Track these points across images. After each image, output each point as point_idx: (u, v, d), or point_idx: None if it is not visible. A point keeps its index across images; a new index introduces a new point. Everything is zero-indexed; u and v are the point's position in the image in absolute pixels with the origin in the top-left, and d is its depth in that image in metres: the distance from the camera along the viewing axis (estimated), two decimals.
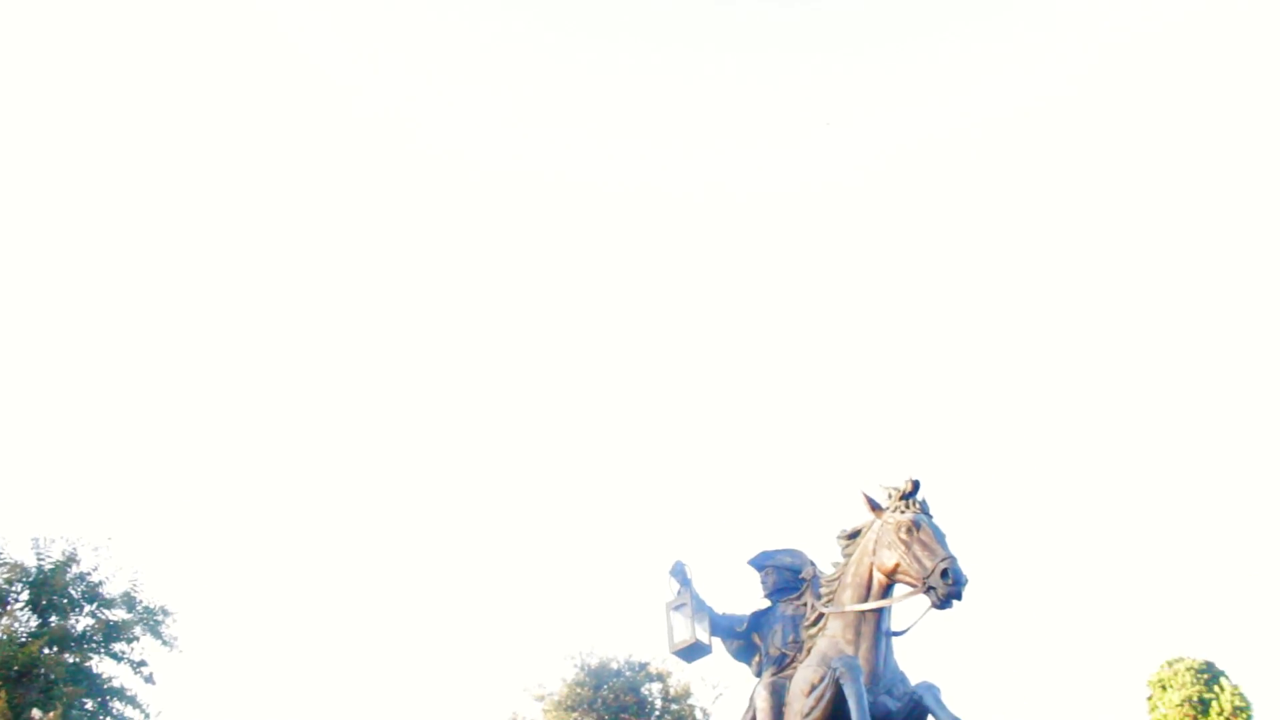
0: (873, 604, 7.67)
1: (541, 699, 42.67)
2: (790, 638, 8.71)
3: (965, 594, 7.09)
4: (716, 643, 9.28)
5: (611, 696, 41.77)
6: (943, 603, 7.08)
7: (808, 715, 7.44)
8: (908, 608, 7.79)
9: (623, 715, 41.62)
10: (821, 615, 8.10)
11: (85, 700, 22.16)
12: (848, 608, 7.80)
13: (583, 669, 42.24)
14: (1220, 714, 50.64)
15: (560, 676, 42.80)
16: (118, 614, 23.35)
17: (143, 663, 23.50)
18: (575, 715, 41.95)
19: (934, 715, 7.08)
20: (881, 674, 7.63)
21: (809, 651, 8.07)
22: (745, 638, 9.22)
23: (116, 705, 23.16)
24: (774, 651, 8.79)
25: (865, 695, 6.96)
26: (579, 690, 41.87)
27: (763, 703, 8.07)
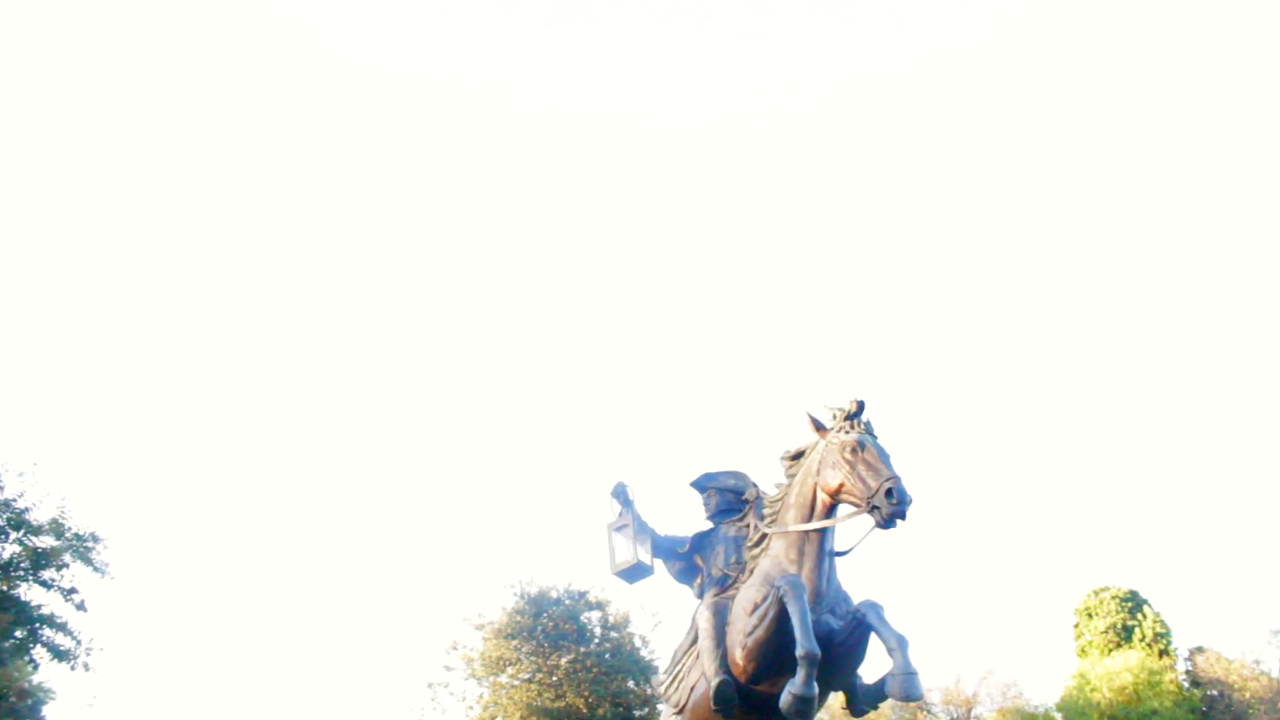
0: (816, 524, 7.61)
1: (481, 628, 42.92)
2: (733, 559, 8.67)
3: (909, 514, 7.04)
4: (658, 564, 9.22)
5: (551, 625, 42.11)
6: (886, 522, 7.02)
7: (750, 634, 7.40)
8: (851, 528, 7.77)
9: (561, 642, 42.01)
10: (765, 535, 8.04)
11: (15, 629, 21.75)
12: (791, 528, 7.74)
13: (522, 597, 42.50)
14: (1142, 639, 52.39)
15: (500, 605, 43.08)
16: (45, 541, 22.90)
17: (73, 590, 23.15)
18: (514, 643, 42.25)
19: (877, 632, 7.08)
20: (825, 593, 7.60)
21: (751, 572, 8.02)
22: (687, 559, 9.16)
23: (47, 633, 22.83)
24: (716, 572, 8.74)
25: (809, 613, 6.92)
26: (518, 618, 42.13)
27: (705, 623, 8.02)
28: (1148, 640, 52.16)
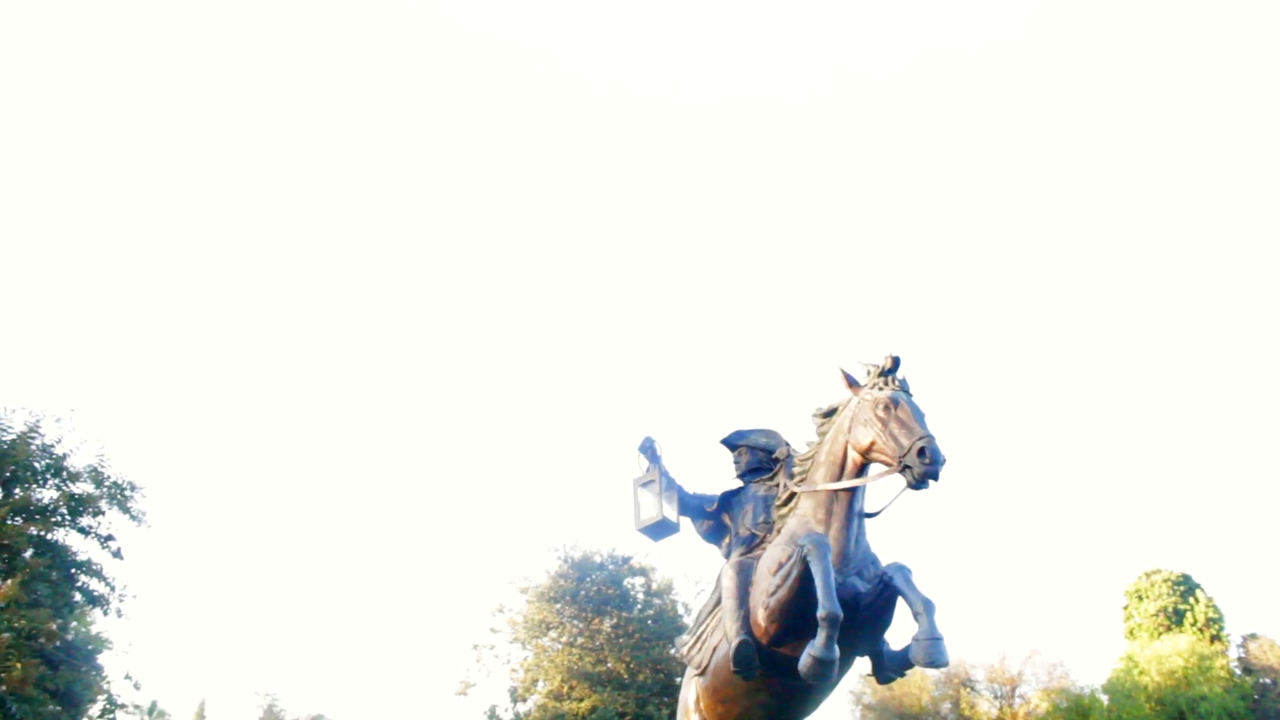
0: (846, 483, 7.33)
1: (525, 591, 43.16)
2: (761, 518, 8.41)
3: (942, 474, 6.73)
4: (685, 523, 9.01)
5: (594, 589, 42.20)
6: (918, 483, 6.72)
7: (773, 594, 7.15)
8: (882, 490, 7.49)
9: (604, 607, 42.07)
10: (793, 495, 7.78)
11: (51, 572, 21.94)
12: (820, 486, 7.47)
13: (566, 561, 42.63)
14: (1194, 624, 51.52)
15: (544, 569, 43.27)
16: (83, 488, 23.04)
17: (110, 537, 23.28)
18: (557, 606, 42.41)
19: (903, 596, 6.77)
20: (852, 555, 7.33)
21: (779, 532, 7.77)
22: (715, 518, 8.92)
23: (83, 578, 23.04)
24: (744, 532, 8.50)
25: (832, 573, 6.66)
26: (561, 582, 42.27)
27: (729, 582, 7.79)
28: (1199, 625, 51.33)
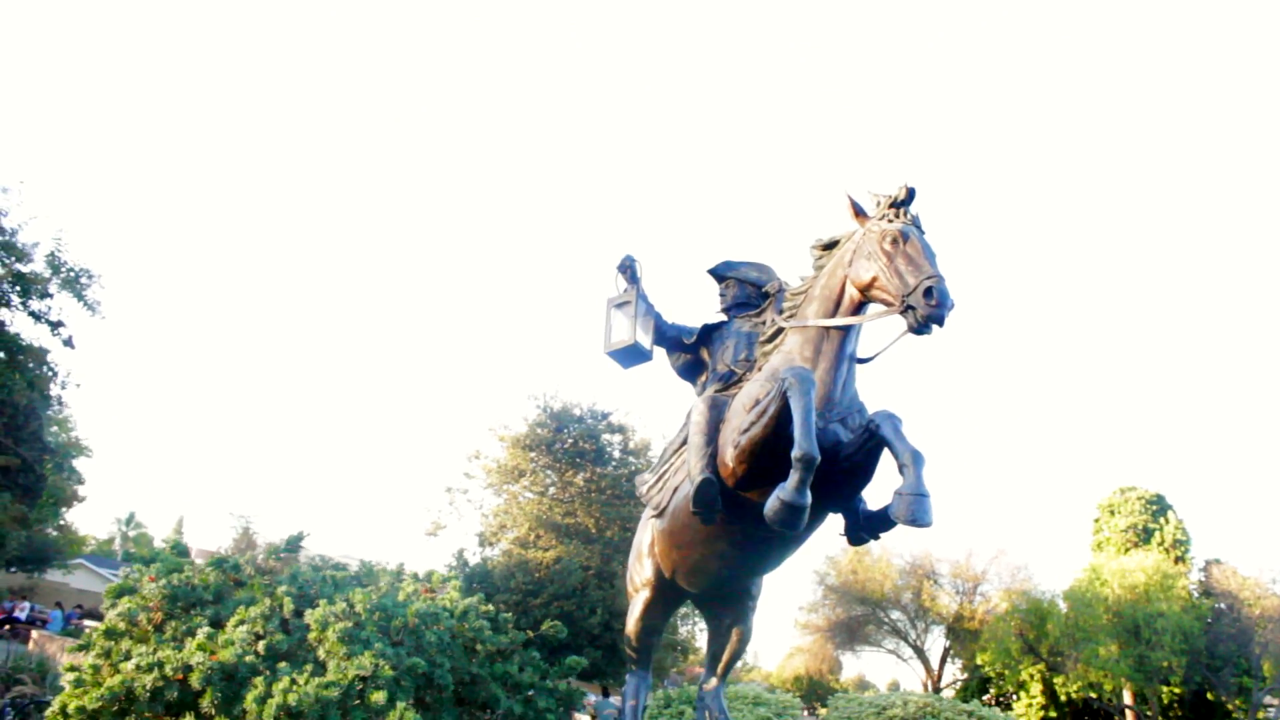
0: (840, 320, 6.54)
1: (504, 439, 42.91)
2: (743, 355, 7.66)
3: (947, 320, 5.95)
4: (660, 355, 8.27)
5: (570, 442, 41.94)
6: (921, 326, 5.91)
7: (745, 431, 6.42)
8: (879, 334, 6.74)
9: (579, 460, 41.91)
10: (780, 330, 7.01)
11: None
12: (810, 322, 6.68)
13: (544, 411, 42.26)
14: (1161, 544, 51.79)
15: (523, 417, 43.01)
16: (32, 269, 21.86)
17: (60, 323, 22.34)
18: (532, 455, 42.22)
19: (889, 446, 6.03)
20: (838, 400, 6.58)
21: (760, 370, 7.05)
22: (693, 351, 8.17)
23: (22, 360, 22.20)
24: (722, 368, 7.75)
25: (813, 411, 5.91)
26: (538, 431, 41.99)
27: (699, 416, 7.05)
28: (1166, 545, 51.61)
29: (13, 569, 50.00)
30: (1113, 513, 54.64)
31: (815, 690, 57.82)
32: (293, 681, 5.56)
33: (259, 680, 5.59)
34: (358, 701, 5.63)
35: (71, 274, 21.92)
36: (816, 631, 54.10)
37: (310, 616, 6.34)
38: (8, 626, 32.48)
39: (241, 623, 6.28)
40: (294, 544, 7.80)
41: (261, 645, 6.09)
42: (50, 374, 22.42)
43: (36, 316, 22.04)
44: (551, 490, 42.43)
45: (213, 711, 5.54)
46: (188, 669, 5.64)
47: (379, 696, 5.62)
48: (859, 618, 51.81)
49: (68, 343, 22.46)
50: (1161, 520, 53.27)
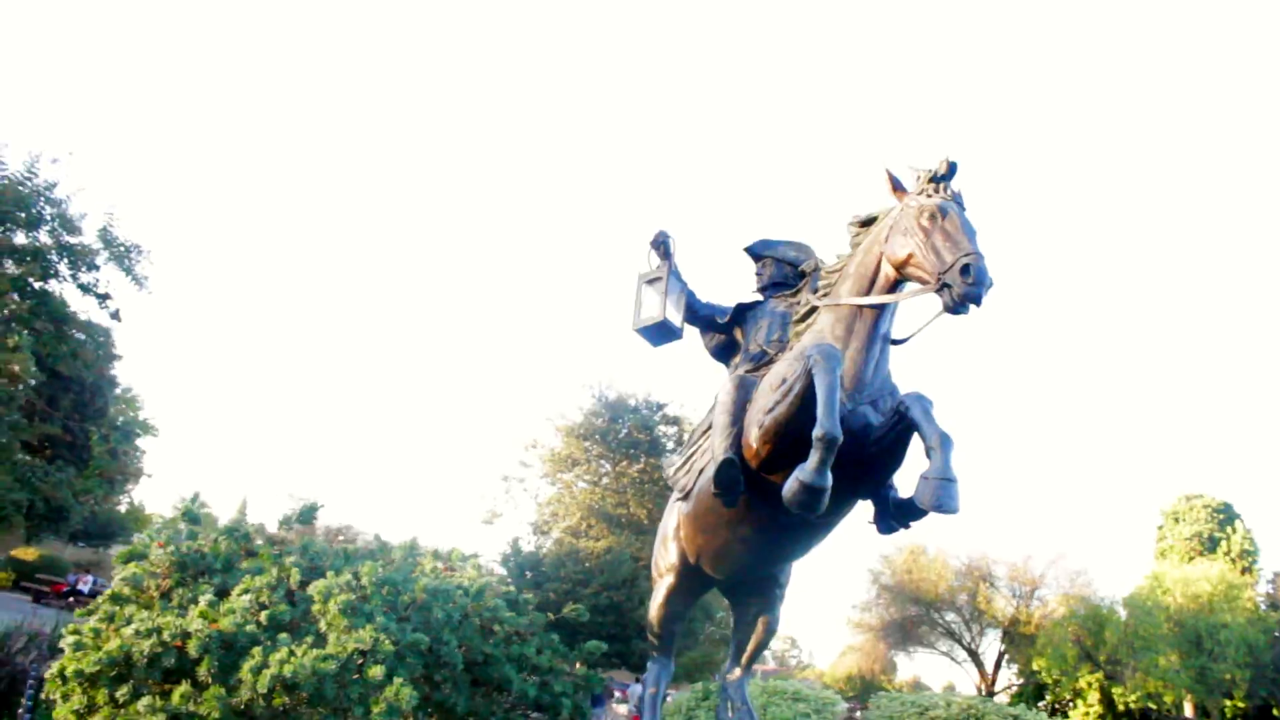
0: (874, 298, 6.26)
1: (560, 430, 42.97)
2: (776, 335, 7.39)
3: (985, 300, 5.64)
4: (694, 336, 8.03)
5: (624, 432, 41.87)
6: (957, 305, 5.61)
7: (770, 411, 6.16)
8: (915, 311, 6.43)
9: (633, 451, 41.80)
10: (813, 309, 6.75)
11: (33, 319, 21.17)
12: (843, 300, 6.41)
13: (600, 400, 42.22)
14: (1227, 553, 50.47)
15: (578, 406, 43.02)
16: (80, 241, 21.92)
17: (107, 295, 22.47)
18: (586, 444, 42.20)
19: (917, 428, 5.74)
20: (868, 381, 6.30)
21: (792, 349, 6.78)
22: (727, 331, 7.91)
23: (72, 332, 22.39)
24: (754, 348, 7.49)
25: (838, 391, 5.64)
26: (594, 420, 41.96)
27: (725, 396, 6.80)
28: (1233, 555, 50.32)
29: (80, 544, 51.13)
30: (1177, 520, 53.44)
31: (868, 690, 57.20)
32: (291, 653, 5.43)
33: (257, 650, 5.47)
34: (356, 676, 5.48)
35: (122, 249, 22.02)
36: (870, 631, 53.48)
37: (314, 588, 6.21)
38: (71, 598, 33.21)
39: (246, 591, 6.18)
40: (308, 514, 7.70)
41: (264, 615, 5.98)
42: (106, 349, 22.72)
43: (85, 289, 22.17)
44: (605, 480, 42.43)
45: (209, 680, 5.43)
46: (186, 636, 5.54)
47: (377, 671, 5.47)
48: (913, 618, 51.12)
49: (115, 315, 22.65)
50: (1228, 529, 51.97)
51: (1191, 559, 49.26)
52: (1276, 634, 43.90)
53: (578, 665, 8.24)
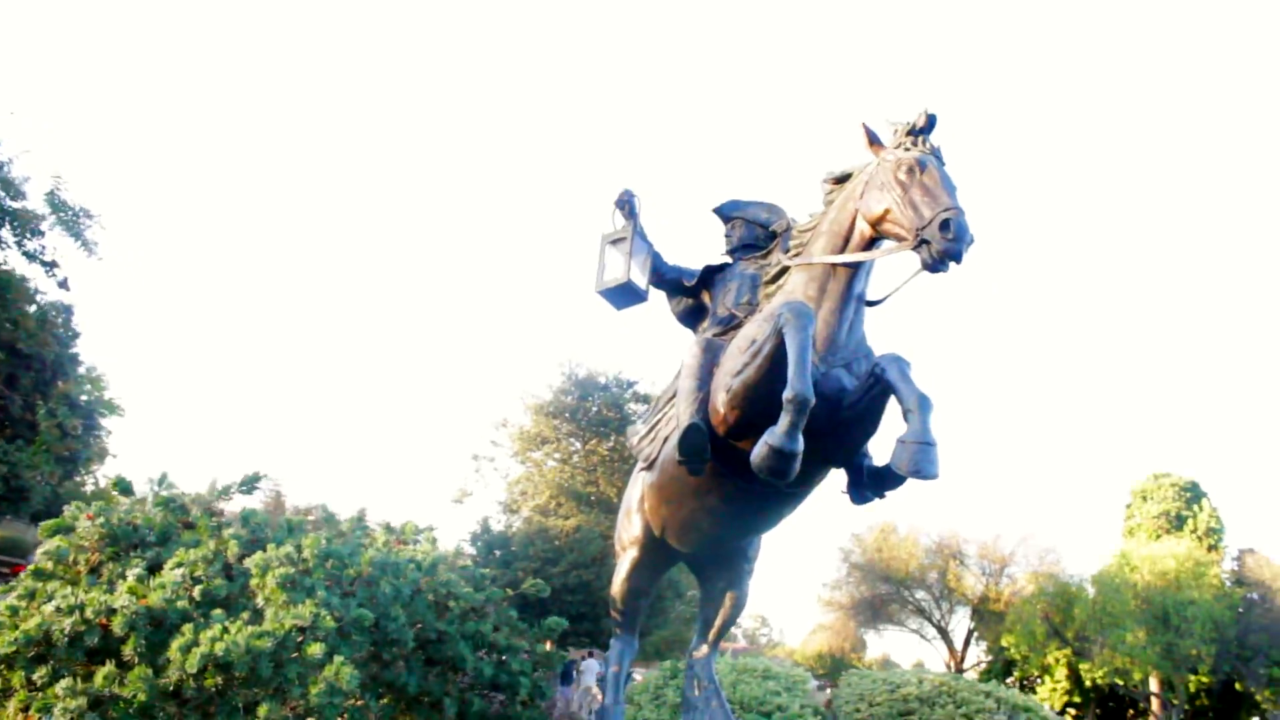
0: (847, 256, 5.93)
1: (530, 407, 42.55)
2: (745, 298, 7.06)
3: (966, 256, 5.32)
4: (660, 299, 7.68)
5: (595, 410, 41.50)
6: (936, 263, 5.29)
7: (738, 373, 5.83)
8: (891, 270, 6.13)
9: (603, 429, 41.46)
10: (784, 269, 6.42)
11: None
12: (816, 259, 6.08)
13: (569, 378, 41.82)
14: (1194, 531, 50.74)
15: (548, 384, 42.63)
16: (23, 205, 21.20)
17: (54, 264, 21.81)
18: (556, 422, 41.83)
19: (894, 391, 5.42)
20: (842, 344, 5.97)
21: (762, 311, 6.45)
22: (695, 295, 7.57)
23: (25, 307, 21.77)
24: (723, 312, 7.15)
25: (810, 351, 5.31)
26: (564, 398, 41.58)
27: (691, 359, 6.47)
28: (1199, 533, 50.57)
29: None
30: (1145, 499, 53.63)
31: (838, 668, 57.30)
32: (224, 630, 5.06)
33: (188, 628, 5.10)
34: (295, 654, 5.12)
35: (71, 214, 21.26)
36: (840, 609, 53.57)
37: (251, 561, 5.84)
38: None
39: (179, 565, 5.80)
40: (250, 484, 7.29)
41: (198, 590, 5.59)
42: (67, 326, 22.01)
43: (30, 256, 21.47)
44: (575, 458, 42.10)
45: (135, 660, 5.06)
46: (111, 613, 5.16)
47: (316, 649, 5.11)
48: (883, 596, 51.20)
49: (63, 284, 22.01)
50: (1195, 508, 52.22)
51: (1159, 537, 49.53)
52: (1241, 610, 44.19)
53: (541, 643, 7.88)
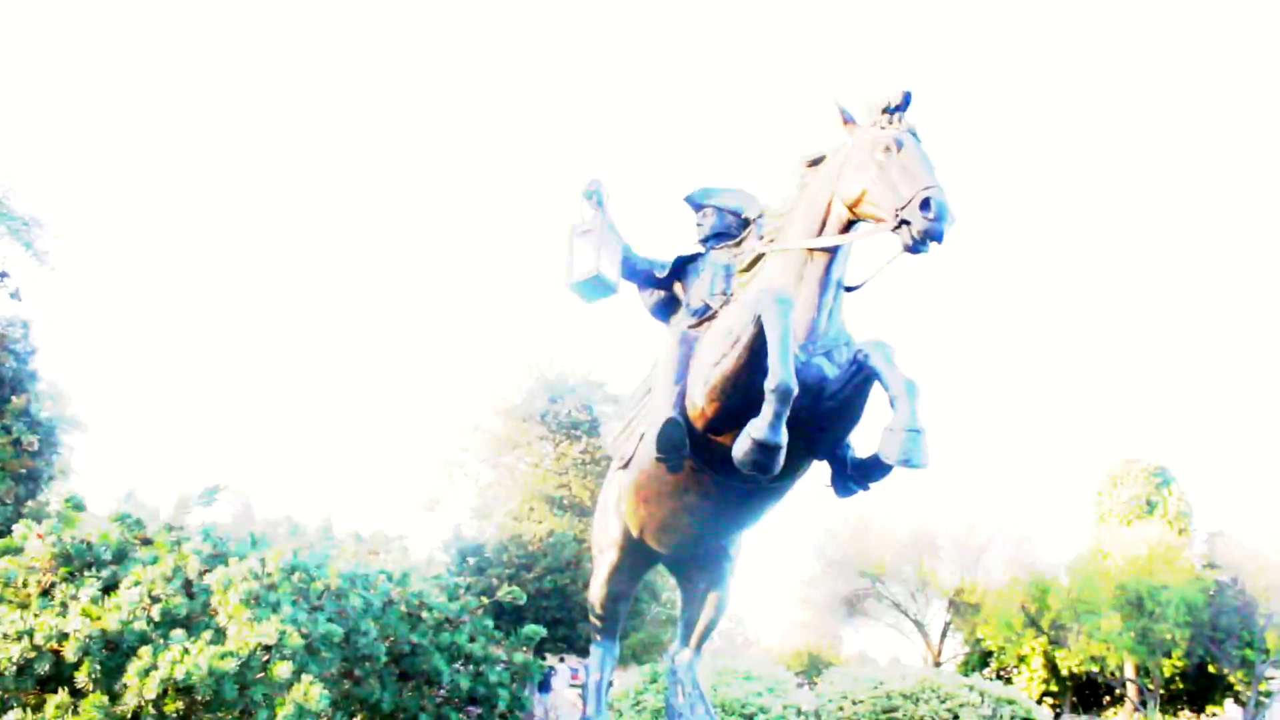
0: (824, 240, 5.74)
1: (500, 411, 42.15)
2: (719, 288, 6.86)
3: (947, 237, 5.14)
4: (631, 292, 7.46)
5: (565, 412, 41.14)
6: (917, 244, 5.11)
7: (717, 365, 5.63)
8: (870, 253, 5.94)
9: (574, 431, 41.14)
10: (760, 257, 6.21)
11: None
12: (791, 244, 5.88)
13: (539, 380, 41.45)
14: (1164, 516, 51.12)
15: (517, 385, 42.21)
16: None
17: (4, 274, 21.25)
18: (526, 425, 41.44)
19: (879, 377, 5.24)
20: (822, 331, 5.78)
21: (737, 300, 6.24)
22: (667, 286, 7.35)
23: None
24: (696, 303, 6.95)
25: (790, 336, 5.12)
26: (534, 401, 41.20)
27: (666, 352, 6.27)
28: (1170, 517, 50.93)
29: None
30: (1116, 485, 53.98)
31: (816, 665, 57.21)
32: (185, 651, 4.79)
33: (145, 650, 4.82)
34: (260, 675, 4.86)
35: (20, 222, 20.63)
36: (816, 606, 53.47)
37: (213, 577, 5.57)
38: None
39: (136, 584, 5.51)
40: (209, 496, 7.01)
41: (156, 610, 5.31)
42: (25, 341, 21.39)
43: None
44: (547, 462, 41.70)
45: (90, 687, 4.78)
46: (64, 637, 4.88)
47: (283, 668, 4.85)
48: (859, 591, 51.15)
49: (14, 295, 21.43)
50: (1165, 492, 52.61)
51: (1130, 522, 49.82)
52: (1213, 593, 44.49)
53: (519, 652, 7.63)
